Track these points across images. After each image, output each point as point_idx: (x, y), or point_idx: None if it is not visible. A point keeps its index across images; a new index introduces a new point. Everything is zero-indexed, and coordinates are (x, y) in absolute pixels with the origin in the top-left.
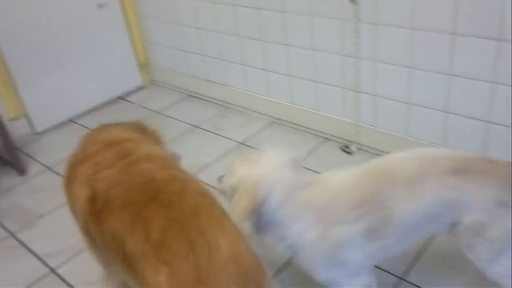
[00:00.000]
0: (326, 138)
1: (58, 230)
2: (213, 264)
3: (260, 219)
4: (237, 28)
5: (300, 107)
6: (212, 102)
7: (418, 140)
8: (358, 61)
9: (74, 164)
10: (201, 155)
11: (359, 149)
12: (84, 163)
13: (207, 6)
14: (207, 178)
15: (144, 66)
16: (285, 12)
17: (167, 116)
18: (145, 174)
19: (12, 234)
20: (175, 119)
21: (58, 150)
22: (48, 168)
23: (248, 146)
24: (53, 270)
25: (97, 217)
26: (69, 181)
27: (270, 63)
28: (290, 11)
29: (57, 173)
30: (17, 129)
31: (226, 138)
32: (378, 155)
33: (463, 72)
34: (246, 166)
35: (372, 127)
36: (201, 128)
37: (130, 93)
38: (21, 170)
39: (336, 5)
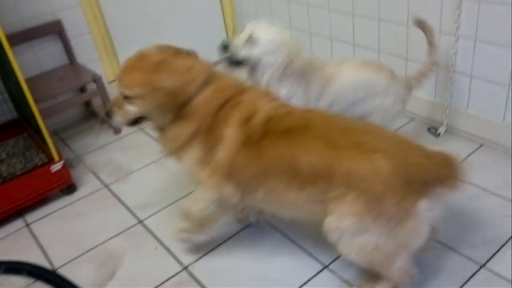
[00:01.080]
0: (412, 118)
1: (147, 186)
2: (416, 154)
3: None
4: (328, 1)
5: None
6: None
7: None
8: (457, 39)
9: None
10: None
11: (447, 131)
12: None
13: None
14: None
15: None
16: None
17: None
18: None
19: (106, 186)
20: None
21: None
22: (140, 128)
23: None
24: (141, 222)
25: (257, 146)
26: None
27: (358, 37)
28: None
29: (147, 134)
30: (113, 92)
31: None
32: (469, 139)
33: None
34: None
35: (464, 110)
36: None
37: (218, 64)
38: (117, 129)
39: None
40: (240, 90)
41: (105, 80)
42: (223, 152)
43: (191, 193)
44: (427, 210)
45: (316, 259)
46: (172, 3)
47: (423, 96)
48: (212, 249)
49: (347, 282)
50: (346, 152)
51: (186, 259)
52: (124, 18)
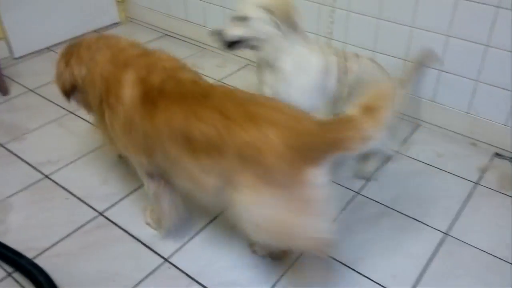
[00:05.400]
0: None
1: (48, 143)
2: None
3: None
4: None
5: None
6: (189, 42)
7: None
8: (334, 10)
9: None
10: None
11: None
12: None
13: None
14: None
15: (121, 2)
16: None
17: None
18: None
19: (1, 145)
20: None
21: (37, 75)
22: (29, 89)
23: (225, 83)
24: (47, 176)
25: (152, 105)
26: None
27: None
28: None
29: (39, 95)
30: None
31: (203, 75)
32: None
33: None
34: None
35: None
36: None
37: (106, 28)
38: (4, 90)
39: None
40: (141, 53)
41: None
42: (122, 113)
43: (95, 149)
44: (316, 177)
45: None
46: None
47: None
48: (127, 195)
49: None
50: (238, 122)
51: (101, 206)
52: None
